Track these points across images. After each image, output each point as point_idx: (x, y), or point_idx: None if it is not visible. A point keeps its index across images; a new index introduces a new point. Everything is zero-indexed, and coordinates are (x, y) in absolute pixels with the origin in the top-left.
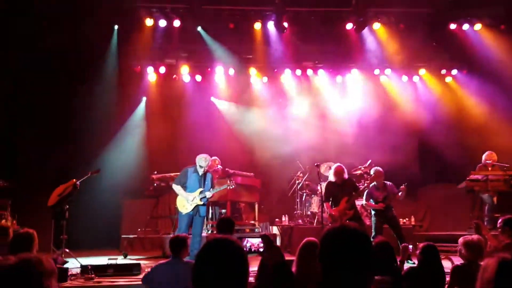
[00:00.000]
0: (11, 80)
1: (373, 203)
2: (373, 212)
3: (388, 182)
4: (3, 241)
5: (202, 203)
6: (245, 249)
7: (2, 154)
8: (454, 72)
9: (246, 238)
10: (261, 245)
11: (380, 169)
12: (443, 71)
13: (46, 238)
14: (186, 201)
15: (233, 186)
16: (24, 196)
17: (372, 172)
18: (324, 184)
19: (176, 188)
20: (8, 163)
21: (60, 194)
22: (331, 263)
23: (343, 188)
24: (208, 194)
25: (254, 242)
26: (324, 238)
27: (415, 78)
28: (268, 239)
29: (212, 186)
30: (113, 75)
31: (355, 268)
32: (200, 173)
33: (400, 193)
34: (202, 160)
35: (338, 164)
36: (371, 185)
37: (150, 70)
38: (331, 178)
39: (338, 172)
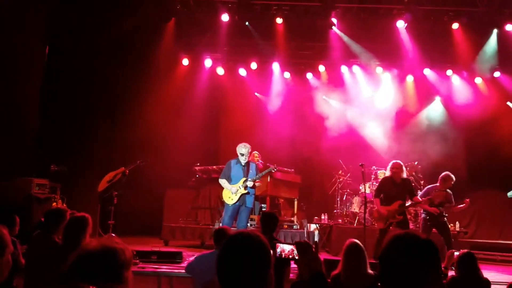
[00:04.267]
0: (64, 68)
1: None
2: (423, 215)
3: (448, 190)
4: (60, 223)
5: (246, 191)
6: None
7: (54, 139)
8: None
9: (278, 244)
10: (295, 252)
11: (452, 175)
12: (497, 74)
13: (92, 222)
14: (231, 192)
15: (276, 169)
16: (73, 180)
17: (443, 176)
18: (367, 185)
19: (222, 181)
20: (59, 148)
21: (110, 180)
22: (392, 268)
23: (399, 187)
24: (249, 183)
25: (285, 248)
26: (391, 242)
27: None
28: (303, 247)
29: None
30: (162, 67)
31: (414, 278)
32: (243, 163)
33: (462, 205)
34: (242, 148)
35: (397, 160)
36: (430, 186)
37: (195, 63)
38: (388, 173)
39: (396, 168)
